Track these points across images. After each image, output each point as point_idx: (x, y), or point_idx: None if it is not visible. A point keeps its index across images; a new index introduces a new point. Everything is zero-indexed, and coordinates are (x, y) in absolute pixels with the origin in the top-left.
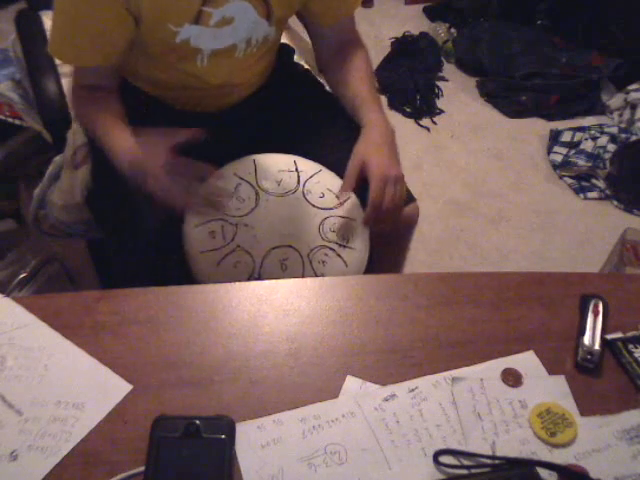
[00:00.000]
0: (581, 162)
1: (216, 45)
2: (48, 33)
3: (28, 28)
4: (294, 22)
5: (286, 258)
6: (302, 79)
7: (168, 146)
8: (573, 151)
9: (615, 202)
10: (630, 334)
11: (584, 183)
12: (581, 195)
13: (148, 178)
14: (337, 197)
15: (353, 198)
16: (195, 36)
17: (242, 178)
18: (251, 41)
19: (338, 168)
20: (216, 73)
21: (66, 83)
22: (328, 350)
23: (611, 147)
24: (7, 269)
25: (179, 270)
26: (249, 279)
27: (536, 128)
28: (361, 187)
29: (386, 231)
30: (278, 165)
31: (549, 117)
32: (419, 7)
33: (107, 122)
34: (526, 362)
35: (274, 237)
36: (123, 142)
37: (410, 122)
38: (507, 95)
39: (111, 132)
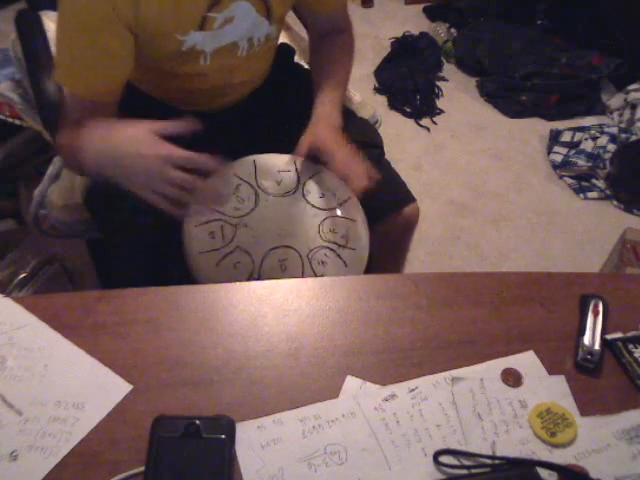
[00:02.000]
0: (581, 162)
1: (217, 44)
2: (48, 34)
3: (28, 28)
4: (295, 22)
5: (286, 258)
6: (302, 79)
7: (161, 133)
8: (573, 151)
9: (615, 202)
10: (630, 334)
11: (584, 183)
12: (581, 195)
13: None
14: (334, 194)
15: (353, 198)
16: (200, 41)
17: (242, 178)
18: (253, 40)
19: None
20: (218, 72)
21: None
22: (328, 350)
23: (611, 147)
24: (7, 269)
25: (179, 270)
26: (249, 279)
27: (536, 128)
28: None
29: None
30: (278, 165)
31: (549, 117)
32: (419, 7)
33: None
34: (526, 362)
35: (274, 237)
36: (89, 129)
37: (410, 122)
38: (507, 95)
39: (78, 130)
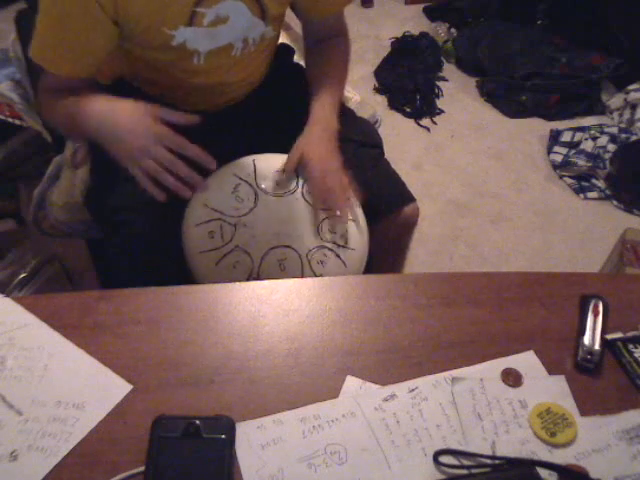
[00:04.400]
0: (581, 162)
1: (212, 45)
2: None
3: (28, 28)
4: (295, 23)
5: (285, 258)
6: (302, 79)
7: (161, 118)
8: (573, 151)
9: (615, 202)
10: (630, 334)
11: (584, 183)
12: (581, 195)
13: (129, 144)
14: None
15: (352, 198)
16: (191, 38)
17: (241, 178)
18: (248, 40)
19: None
20: (213, 71)
21: None
22: (328, 350)
23: (611, 147)
24: (7, 269)
25: (179, 270)
26: (248, 279)
27: (536, 128)
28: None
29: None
30: (277, 165)
31: (549, 117)
32: (419, 7)
33: (74, 98)
34: (526, 362)
35: (273, 237)
36: (93, 103)
37: (410, 122)
38: (507, 95)
39: (79, 101)
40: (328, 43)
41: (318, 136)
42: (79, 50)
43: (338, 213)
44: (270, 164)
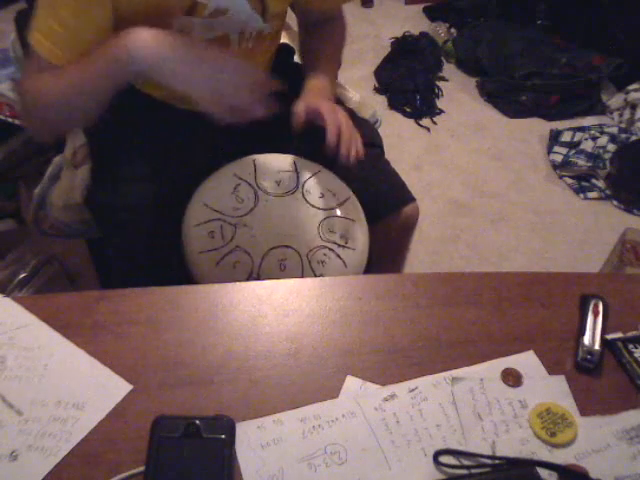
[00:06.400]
0: (581, 162)
1: (208, 35)
2: None
3: (28, 28)
4: (295, 22)
5: (285, 258)
6: (302, 79)
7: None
8: (573, 151)
9: (615, 202)
10: (630, 334)
11: (584, 183)
12: (581, 195)
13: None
14: (334, 194)
15: (352, 198)
16: (188, 27)
17: (241, 178)
18: (245, 34)
19: (337, 168)
20: None
21: None
22: (328, 350)
23: (611, 147)
24: (7, 269)
25: (179, 270)
26: (248, 279)
27: (536, 128)
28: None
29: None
30: (278, 165)
31: (549, 117)
32: (419, 7)
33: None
34: (526, 362)
35: (273, 237)
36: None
37: (410, 122)
38: (507, 95)
39: (82, 60)
40: (323, 26)
41: (317, 96)
42: (86, 37)
43: (353, 156)
44: (270, 164)
